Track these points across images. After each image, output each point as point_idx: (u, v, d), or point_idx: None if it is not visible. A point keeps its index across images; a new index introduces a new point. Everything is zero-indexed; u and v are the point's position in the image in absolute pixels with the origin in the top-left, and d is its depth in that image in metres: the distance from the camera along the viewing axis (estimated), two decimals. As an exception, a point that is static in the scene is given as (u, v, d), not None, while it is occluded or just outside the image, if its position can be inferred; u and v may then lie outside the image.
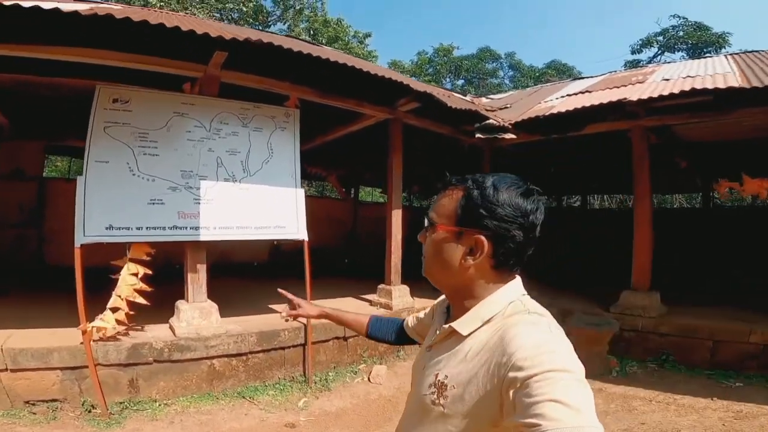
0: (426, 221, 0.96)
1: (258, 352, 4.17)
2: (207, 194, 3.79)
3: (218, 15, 13.98)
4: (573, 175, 10.70)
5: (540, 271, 8.51)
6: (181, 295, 4.03)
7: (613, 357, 5.19)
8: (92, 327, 3.41)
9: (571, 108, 5.63)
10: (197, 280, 3.82)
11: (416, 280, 5.74)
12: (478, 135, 6.25)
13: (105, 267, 3.64)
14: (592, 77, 8.59)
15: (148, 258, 3.60)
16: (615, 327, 5.08)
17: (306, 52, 3.90)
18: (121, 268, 3.51)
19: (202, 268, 3.86)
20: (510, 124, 6.17)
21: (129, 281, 3.48)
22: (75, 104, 4.73)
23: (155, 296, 3.72)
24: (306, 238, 4.31)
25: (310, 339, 4.39)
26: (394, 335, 1.38)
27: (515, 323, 0.83)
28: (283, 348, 4.34)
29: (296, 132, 4.48)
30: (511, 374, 0.73)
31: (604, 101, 5.34)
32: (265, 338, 4.19)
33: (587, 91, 6.74)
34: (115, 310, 3.54)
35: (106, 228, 3.33)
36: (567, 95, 7.01)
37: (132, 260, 3.53)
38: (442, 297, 1.10)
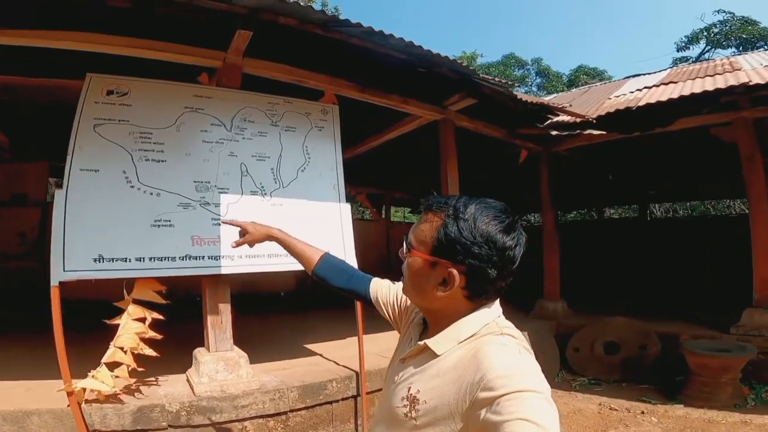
0: (404, 243, 0.97)
1: (300, 409, 3.25)
2: (229, 212, 2.93)
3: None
4: (632, 183, 9.61)
5: (612, 290, 7.88)
6: (200, 339, 3.15)
7: (743, 384, 4.39)
8: (80, 388, 2.53)
9: (674, 96, 4.71)
10: (219, 323, 2.92)
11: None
12: (554, 132, 5.32)
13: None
14: (651, 73, 7.72)
15: (160, 298, 2.71)
16: (752, 351, 4.28)
17: (354, 23, 3.07)
18: (122, 310, 2.63)
19: (226, 309, 2.96)
20: (592, 119, 5.19)
21: (133, 328, 2.60)
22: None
23: (169, 338, 2.86)
24: (355, 266, 3.38)
25: (364, 389, 3.46)
26: (363, 290, 1.30)
27: (488, 343, 0.85)
28: (330, 402, 3.40)
29: (336, 132, 3.64)
30: (483, 394, 0.75)
31: (721, 86, 4.46)
32: (309, 392, 3.26)
33: (671, 82, 5.84)
34: (114, 364, 2.66)
35: (95, 259, 2.47)
36: (645, 87, 6.05)
37: (136, 301, 2.66)
38: None
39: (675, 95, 4.74)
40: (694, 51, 18.45)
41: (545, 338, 5.48)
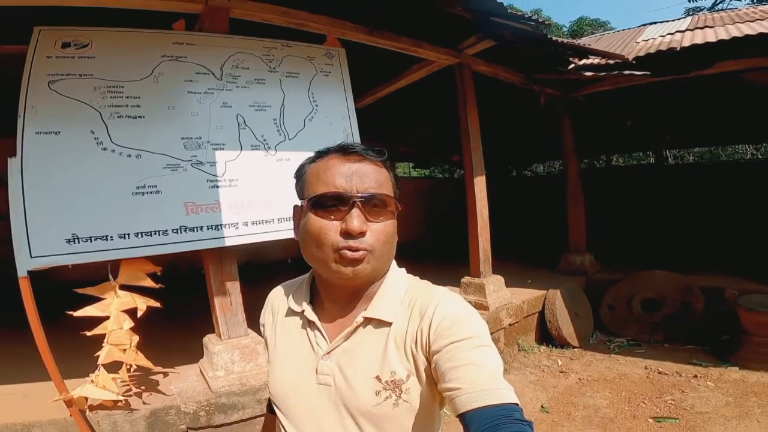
0: (382, 197, 0.79)
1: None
2: (228, 172, 2.47)
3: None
4: (649, 129, 9.09)
5: (639, 242, 7.41)
6: (211, 316, 2.74)
7: None
8: (78, 396, 2.14)
9: (725, 37, 4.21)
10: (228, 306, 2.50)
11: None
12: (588, 73, 4.88)
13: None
14: (670, 21, 7.15)
15: (152, 282, 2.27)
16: None
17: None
18: (101, 298, 2.18)
19: (234, 288, 2.53)
20: (632, 60, 4.68)
21: (121, 322, 2.18)
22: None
23: (173, 320, 2.45)
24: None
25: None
26: None
27: (428, 292, 0.82)
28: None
29: (345, 77, 3.17)
30: (436, 343, 0.73)
31: None
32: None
33: (707, 27, 5.31)
34: (114, 364, 2.26)
35: (68, 240, 2.02)
36: (677, 31, 5.52)
37: (124, 288, 2.22)
38: (274, 296, 1.00)
39: (724, 37, 4.26)
40: (706, 2, 17.27)
41: (579, 296, 5.14)
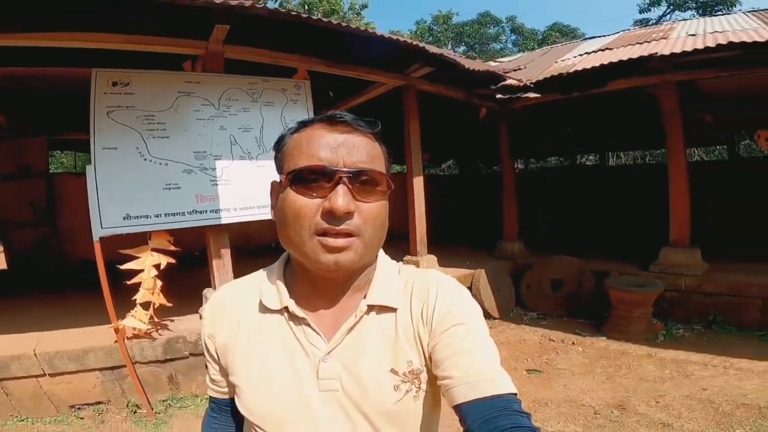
0: (373, 173, 0.69)
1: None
2: (224, 174, 3.60)
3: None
4: (589, 134, 10.29)
5: (557, 234, 8.34)
6: (207, 283, 3.88)
7: (656, 320, 4.89)
8: (124, 325, 3.28)
9: (597, 64, 5.36)
10: (222, 266, 3.65)
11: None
12: (498, 96, 5.98)
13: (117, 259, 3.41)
14: (605, 36, 8.37)
15: (172, 246, 3.42)
16: (660, 287, 4.75)
17: (314, 19, 3.66)
18: (135, 257, 3.32)
19: (227, 253, 3.68)
20: (531, 83, 5.86)
21: (151, 272, 3.32)
22: (73, 95, 4.52)
23: (179, 285, 3.58)
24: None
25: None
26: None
27: (423, 274, 0.79)
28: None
29: (309, 103, 4.26)
30: (436, 328, 0.71)
31: (634, 56, 5.09)
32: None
33: (607, 48, 6.52)
34: (145, 305, 3.40)
35: (123, 218, 3.15)
36: (585, 53, 6.72)
37: (155, 250, 3.36)
38: (229, 297, 0.83)
39: (597, 63, 5.37)
40: (655, 13, 18.81)
41: (502, 276, 6.00)
